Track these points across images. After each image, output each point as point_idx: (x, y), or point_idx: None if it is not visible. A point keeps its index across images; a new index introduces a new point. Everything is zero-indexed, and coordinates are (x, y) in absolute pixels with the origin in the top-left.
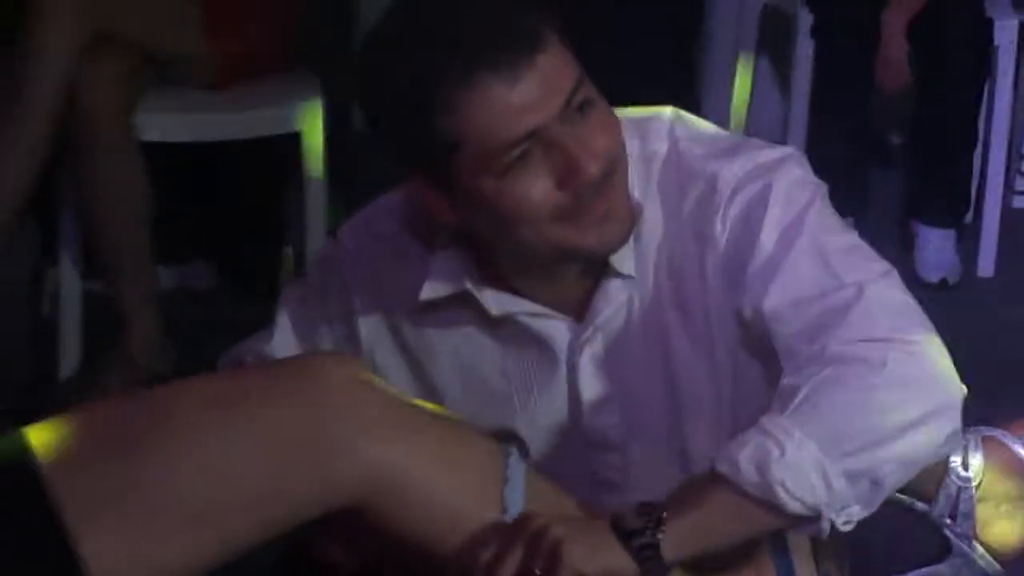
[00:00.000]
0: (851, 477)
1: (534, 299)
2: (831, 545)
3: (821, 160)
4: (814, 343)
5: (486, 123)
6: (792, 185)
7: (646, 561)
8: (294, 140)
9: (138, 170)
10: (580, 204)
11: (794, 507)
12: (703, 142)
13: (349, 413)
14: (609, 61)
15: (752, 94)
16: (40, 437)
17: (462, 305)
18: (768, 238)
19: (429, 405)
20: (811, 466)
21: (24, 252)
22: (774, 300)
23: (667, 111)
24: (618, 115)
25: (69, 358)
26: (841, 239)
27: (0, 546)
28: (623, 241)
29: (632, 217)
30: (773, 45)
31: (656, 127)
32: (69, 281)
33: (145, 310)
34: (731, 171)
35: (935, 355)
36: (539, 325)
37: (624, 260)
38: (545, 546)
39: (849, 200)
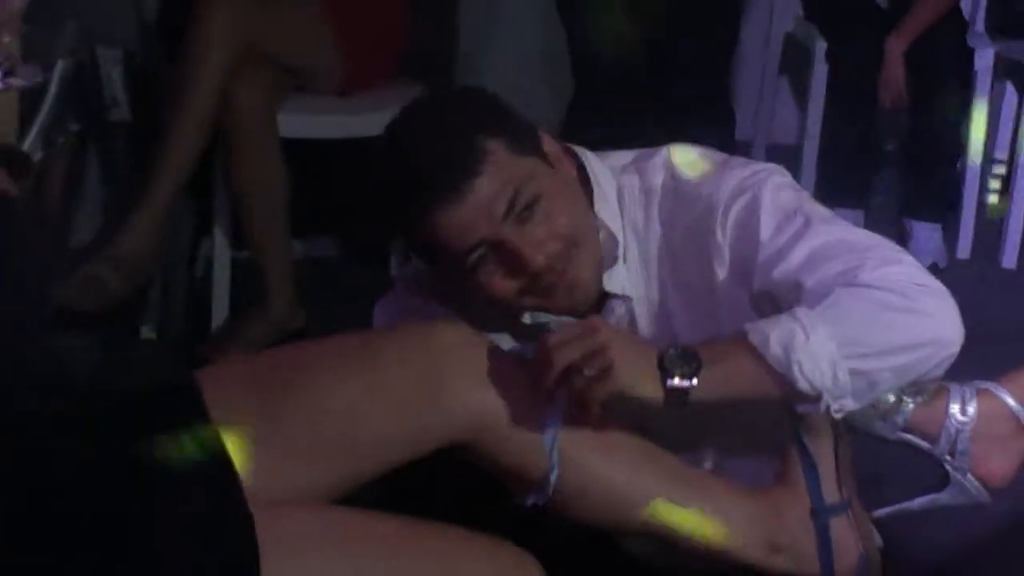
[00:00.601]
0: (854, 375)
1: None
2: (851, 472)
3: (833, 163)
4: (838, 276)
5: (442, 241)
6: (776, 190)
7: (674, 399)
8: None
9: (278, 161)
10: (539, 284)
11: (802, 385)
12: (695, 169)
13: (462, 366)
14: (664, 87)
15: (774, 109)
16: (208, 381)
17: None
18: (767, 230)
19: None
20: (825, 357)
21: (185, 224)
22: (791, 268)
23: (664, 148)
24: (619, 157)
25: (219, 314)
26: (835, 222)
27: (169, 460)
28: (591, 297)
29: (598, 274)
30: (793, 68)
31: (653, 163)
32: (221, 250)
33: (282, 276)
34: (722, 190)
35: (944, 299)
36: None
37: (616, 283)
38: (600, 360)
39: (854, 197)
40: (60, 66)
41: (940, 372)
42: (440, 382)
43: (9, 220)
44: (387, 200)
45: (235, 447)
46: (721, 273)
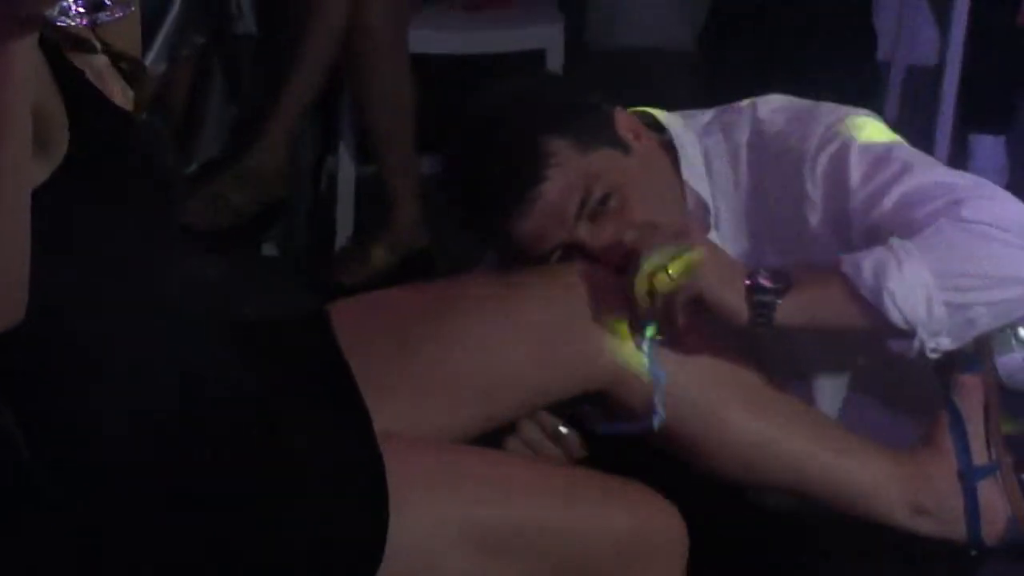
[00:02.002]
0: (951, 308)
1: None
2: (1000, 432)
3: (975, 86)
4: (937, 212)
5: (521, 248)
6: (866, 137)
7: (758, 315)
8: (536, 56)
9: (407, 75)
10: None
11: (895, 317)
12: (780, 119)
13: (607, 312)
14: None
15: (915, 29)
16: (341, 316)
17: None
18: (857, 176)
19: None
20: (920, 287)
21: (309, 140)
22: (886, 210)
23: (748, 103)
24: (702, 117)
25: (344, 230)
26: (930, 163)
27: (306, 406)
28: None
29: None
30: None
31: (738, 119)
32: (346, 165)
33: (408, 191)
34: (809, 139)
35: None
36: None
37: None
38: (686, 259)
39: (996, 122)
40: None
41: None
42: (585, 327)
43: (131, 135)
44: (462, 212)
45: (367, 383)
46: (815, 224)
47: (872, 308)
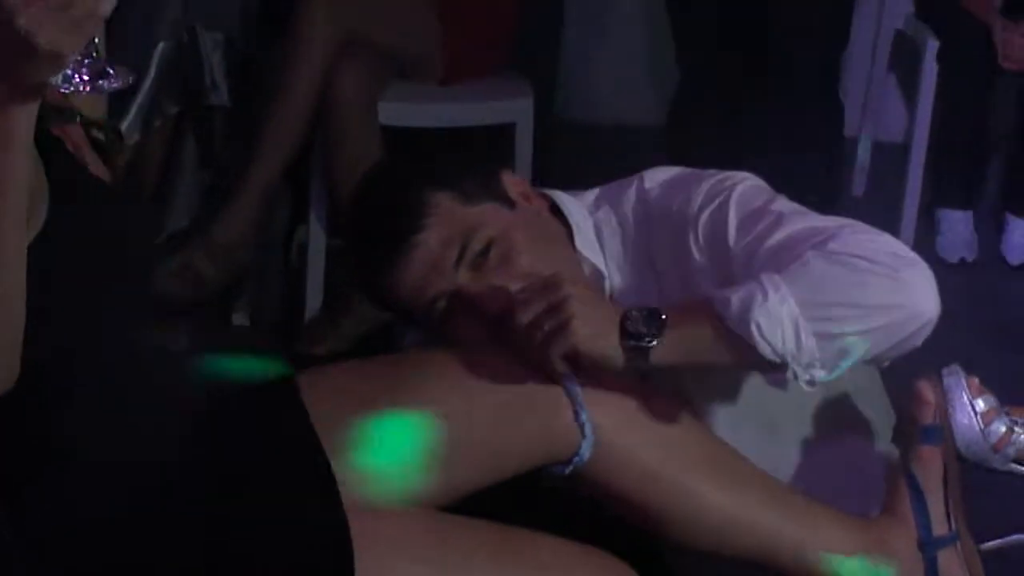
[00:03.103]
0: (821, 339)
1: None
2: (960, 502)
3: (941, 162)
4: (808, 248)
5: (403, 298)
6: (742, 194)
7: (634, 359)
8: (507, 130)
9: (377, 149)
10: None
11: (763, 349)
12: (665, 187)
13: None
14: (771, 82)
15: (882, 106)
16: (308, 384)
17: None
18: (734, 233)
19: None
20: (787, 318)
21: (281, 210)
22: (763, 258)
23: (636, 177)
24: (590, 194)
25: (314, 300)
26: (807, 214)
27: (273, 473)
28: None
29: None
30: (902, 66)
31: (626, 194)
32: (316, 236)
33: None
34: (692, 202)
35: (921, 269)
36: None
37: None
38: (559, 316)
39: (962, 197)
40: (160, 48)
41: (915, 343)
42: (545, 397)
43: (107, 203)
44: (354, 268)
45: (333, 451)
46: (705, 287)
47: (743, 342)
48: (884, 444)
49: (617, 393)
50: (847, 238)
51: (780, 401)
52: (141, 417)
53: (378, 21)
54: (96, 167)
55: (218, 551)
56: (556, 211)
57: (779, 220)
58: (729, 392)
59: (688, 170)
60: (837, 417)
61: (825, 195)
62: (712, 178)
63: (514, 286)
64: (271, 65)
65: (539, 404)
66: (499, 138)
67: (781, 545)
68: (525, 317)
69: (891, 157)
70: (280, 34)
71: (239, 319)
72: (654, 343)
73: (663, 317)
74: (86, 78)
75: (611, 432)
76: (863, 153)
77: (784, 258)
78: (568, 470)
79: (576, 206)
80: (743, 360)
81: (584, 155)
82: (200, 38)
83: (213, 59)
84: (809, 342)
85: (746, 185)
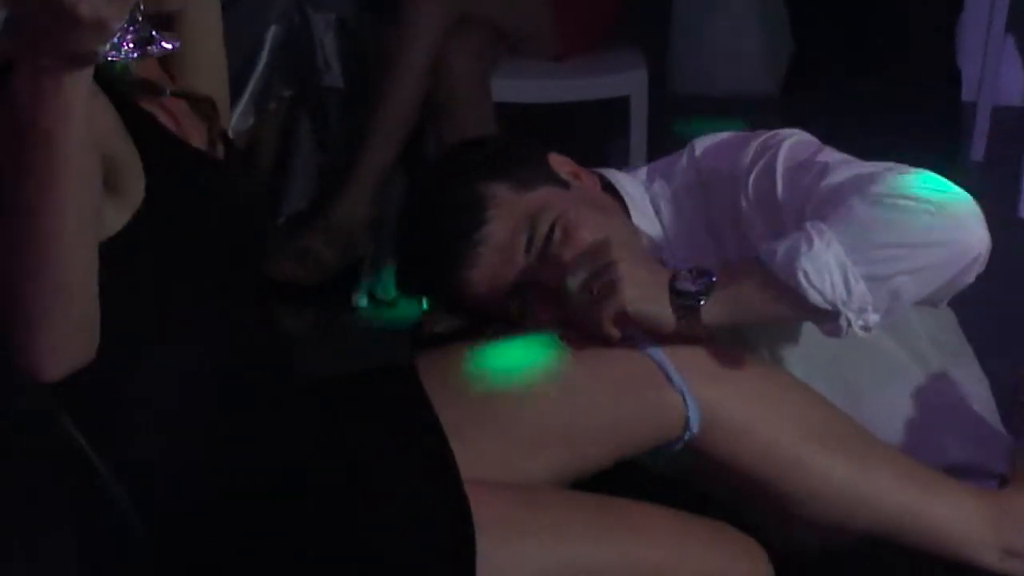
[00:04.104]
0: (871, 281)
1: None
2: None
3: None
4: (852, 194)
5: (478, 297)
6: (790, 147)
7: (685, 318)
8: (621, 104)
9: (491, 126)
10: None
11: (814, 297)
12: (716, 153)
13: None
14: (888, 48)
15: (999, 70)
16: (427, 366)
17: None
18: (783, 187)
19: None
20: (834, 263)
21: (393, 195)
22: (811, 209)
23: (687, 146)
24: (643, 170)
25: None
26: (854, 162)
27: (395, 455)
28: None
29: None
30: (1019, 27)
31: (679, 165)
32: None
33: None
34: (741, 163)
35: (967, 203)
36: None
37: None
38: (608, 277)
39: None
40: (272, 32)
41: (967, 280)
42: (664, 378)
43: (209, 175)
44: (420, 276)
45: (453, 431)
46: (755, 239)
47: (793, 292)
48: (970, 382)
49: (729, 368)
50: (889, 180)
51: (853, 359)
52: (246, 401)
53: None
54: (201, 141)
55: (342, 531)
56: (610, 189)
57: (824, 170)
58: (801, 354)
59: (735, 134)
60: (912, 367)
61: (943, 160)
62: (759, 137)
63: (575, 280)
64: (383, 45)
65: (634, 378)
66: (613, 112)
67: (907, 518)
68: (574, 282)
69: (1010, 121)
70: (392, 13)
71: (358, 301)
72: (703, 301)
73: (711, 276)
74: (132, 45)
75: (727, 407)
76: (982, 118)
77: (830, 207)
78: (679, 445)
79: (630, 181)
80: (795, 312)
81: (698, 127)
82: (311, 20)
83: (325, 40)
84: (859, 287)
85: (793, 140)
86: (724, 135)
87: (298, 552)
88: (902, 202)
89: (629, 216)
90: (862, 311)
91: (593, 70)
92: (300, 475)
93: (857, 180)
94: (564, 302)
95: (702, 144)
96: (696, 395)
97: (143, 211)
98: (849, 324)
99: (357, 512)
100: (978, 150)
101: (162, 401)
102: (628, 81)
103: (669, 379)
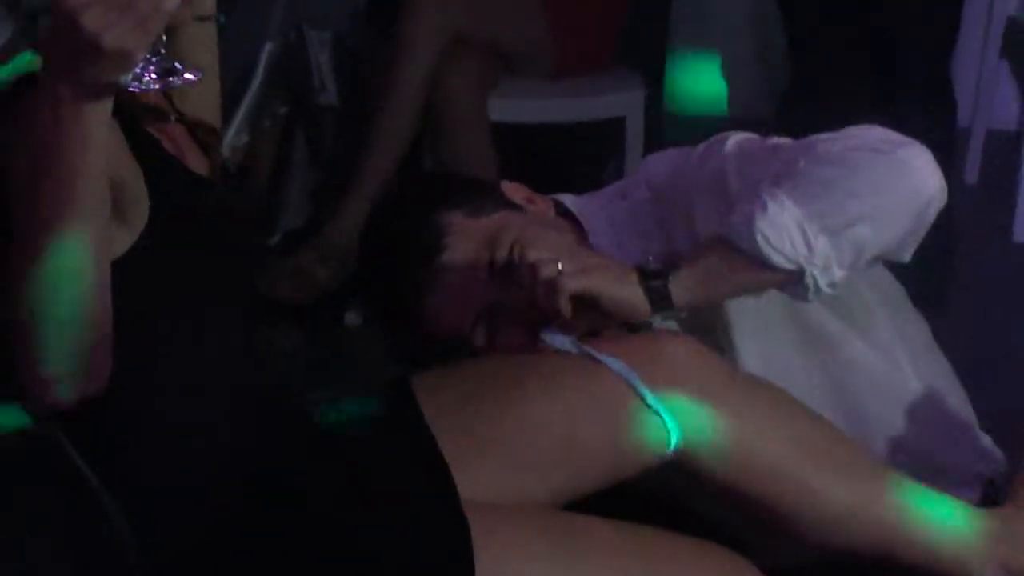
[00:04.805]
0: (831, 236)
1: None
2: None
3: None
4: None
5: (447, 326)
6: (735, 145)
7: (658, 303)
8: (617, 124)
9: (488, 146)
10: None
11: (777, 259)
12: (666, 166)
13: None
14: (883, 74)
15: (995, 95)
16: (422, 386)
17: None
18: (735, 180)
19: None
20: (791, 222)
21: None
22: (764, 186)
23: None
24: (601, 193)
25: None
26: (802, 142)
27: (392, 474)
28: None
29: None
30: (1014, 53)
31: (631, 183)
32: None
33: None
34: (692, 170)
35: (920, 151)
36: None
37: None
38: (579, 263)
39: None
40: (267, 49)
41: (926, 223)
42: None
43: (209, 202)
44: (380, 311)
45: (449, 452)
46: (700, 218)
47: (756, 259)
48: (949, 389)
49: (725, 389)
50: (832, 140)
51: (835, 367)
52: (253, 417)
53: (485, 18)
54: (200, 166)
55: (342, 552)
56: (566, 214)
57: (774, 149)
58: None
59: (680, 148)
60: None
61: None
62: (703, 145)
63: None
64: (379, 64)
65: (610, 399)
66: (609, 133)
67: (904, 537)
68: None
69: (1004, 145)
70: (388, 32)
71: (351, 319)
72: (671, 280)
73: (674, 260)
74: (155, 75)
75: (728, 429)
76: (976, 142)
77: (784, 174)
78: (667, 456)
79: (584, 204)
80: (761, 277)
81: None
82: (307, 37)
83: (321, 58)
84: (819, 241)
85: (735, 139)
86: (671, 150)
87: (296, 571)
88: (851, 154)
89: (587, 238)
90: (826, 268)
91: (590, 91)
92: (298, 494)
93: (806, 143)
94: (526, 290)
95: (649, 163)
96: (691, 416)
97: (145, 235)
98: (816, 282)
99: (356, 531)
100: (972, 174)
101: (160, 421)
102: (624, 102)
103: (644, 400)
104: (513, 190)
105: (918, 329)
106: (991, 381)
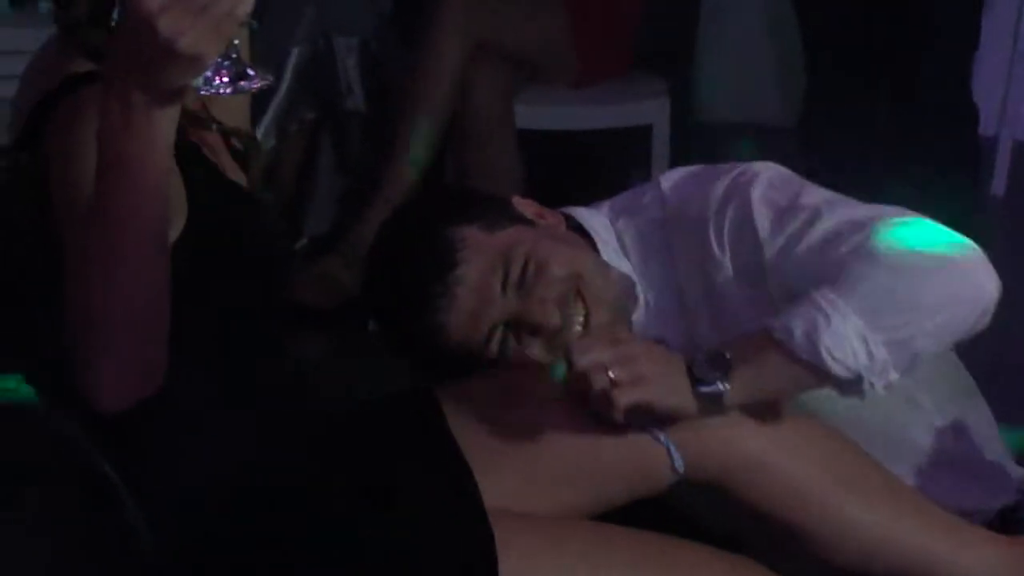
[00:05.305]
0: (891, 346)
1: None
2: None
3: None
4: (850, 252)
5: (457, 342)
6: (766, 186)
7: (709, 405)
8: (643, 132)
9: (513, 152)
10: (566, 339)
11: (838, 371)
12: (682, 189)
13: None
14: (903, 83)
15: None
16: (446, 396)
17: None
18: (764, 228)
19: None
20: (854, 335)
21: None
22: (801, 259)
23: (653, 182)
24: (608, 205)
25: None
26: (839, 202)
27: (417, 483)
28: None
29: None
30: None
31: (644, 201)
32: None
33: None
34: (710, 201)
35: (969, 249)
36: None
37: (639, 326)
38: (631, 369)
39: None
40: (295, 54)
41: (984, 323)
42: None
43: (245, 210)
44: (390, 327)
45: (474, 462)
46: (721, 282)
47: (814, 367)
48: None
49: (760, 414)
50: (888, 236)
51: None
52: (279, 423)
53: (510, 26)
54: (234, 174)
55: (367, 558)
56: (577, 228)
57: (816, 214)
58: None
59: (704, 168)
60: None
61: (963, 195)
62: (728, 175)
63: (557, 291)
64: (405, 70)
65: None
66: (636, 140)
67: (929, 564)
68: (585, 360)
69: None
70: (415, 38)
71: (375, 325)
72: (726, 387)
73: (727, 357)
74: (226, 80)
75: (760, 452)
76: (1003, 152)
77: (829, 263)
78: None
79: (595, 217)
80: (817, 384)
81: (720, 156)
82: (334, 43)
83: (348, 64)
84: (880, 352)
85: (765, 178)
86: (692, 168)
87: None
88: (909, 260)
89: (598, 252)
90: (884, 373)
91: (616, 98)
92: (323, 500)
93: (853, 229)
94: (563, 377)
95: (668, 179)
96: (727, 441)
97: (181, 243)
98: (872, 386)
99: (380, 537)
100: (999, 185)
101: (190, 427)
102: (651, 109)
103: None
104: (524, 205)
105: (953, 366)
106: (1018, 393)
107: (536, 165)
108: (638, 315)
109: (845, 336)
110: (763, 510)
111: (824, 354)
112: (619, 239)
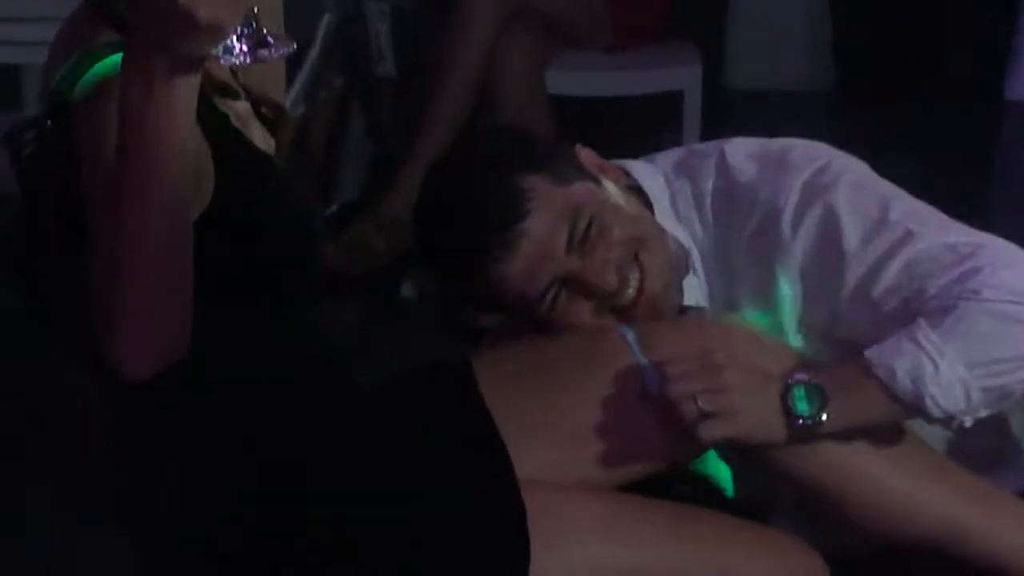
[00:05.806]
0: (987, 391)
1: None
2: None
3: None
4: (954, 288)
5: (512, 292)
6: (851, 191)
7: (801, 434)
8: (675, 98)
9: (546, 118)
10: (620, 302)
11: (937, 414)
12: (751, 167)
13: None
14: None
15: None
16: (480, 365)
17: None
18: (853, 240)
19: None
20: (957, 383)
21: None
22: (893, 281)
23: (716, 145)
24: (667, 158)
25: None
26: (927, 219)
27: (449, 454)
28: (674, 309)
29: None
30: None
31: (704, 164)
32: None
33: None
34: (784, 195)
35: None
36: None
37: (690, 294)
38: (723, 401)
39: None
40: (326, 20)
41: None
42: None
43: (273, 179)
44: (443, 267)
45: (507, 432)
46: (787, 272)
47: (916, 408)
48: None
49: None
50: (995, 278)
51: None
52: (307, 392)
53: None
54: (264, 143)
55: (399, 530)
56: (630, 179)
57: (908, 234)
58: None
59: (774, 148)
60: None
61: (984, 158)
62: (806, 169)
63: (615, 256)
64: (438, 36)
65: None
66: (667, 107)
67: (965, 533)
68: (677, 390)
69: None
70: (447, 3)
71: (407, 291)
72: (822, 418)
73: (822, 389)
74: (246, 48)
75: None
76: None
77: (924, 287)
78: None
79: (653, 177)
80: (911, 419)
81: (752, 122)
82: (366, 8)
83: (379, 30)
84: (977, 396)
85: (848, 181)
86: (757, 145)
87: (350, 550)
88: (1012, 309)
89: (653, 213)
90: (975, 412)
91: (647, 64)
92: (353, 472)
93: (954, 262)
94: (650, 397)
95: (735, 152)
96: None
97: (209, 212)
98: (961, 424)
99: (412, 509)
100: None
101: (218, 402)
102: (682, 76)
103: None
104: (587, 157)
105: None
106: None
107: (567, 130)
108: (687, 280)
109: (950, 384)
110: (800, 475)
111: (928, 401)
112: (673, 200)
